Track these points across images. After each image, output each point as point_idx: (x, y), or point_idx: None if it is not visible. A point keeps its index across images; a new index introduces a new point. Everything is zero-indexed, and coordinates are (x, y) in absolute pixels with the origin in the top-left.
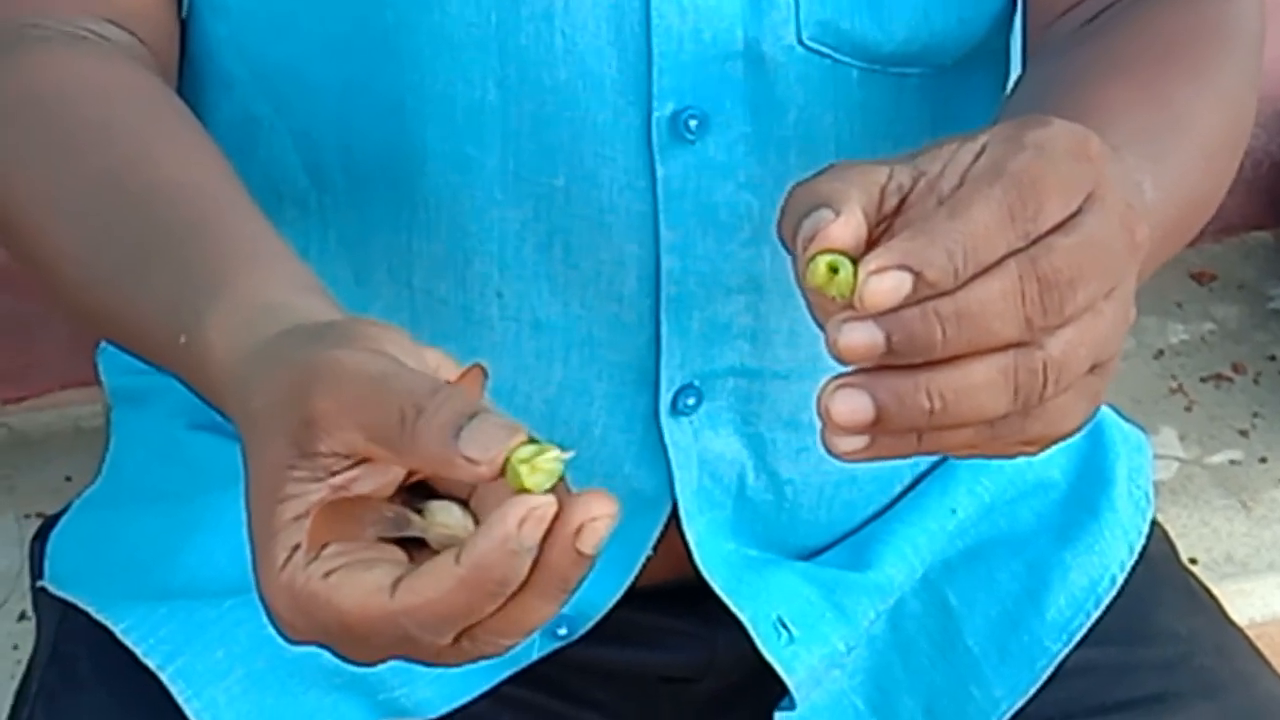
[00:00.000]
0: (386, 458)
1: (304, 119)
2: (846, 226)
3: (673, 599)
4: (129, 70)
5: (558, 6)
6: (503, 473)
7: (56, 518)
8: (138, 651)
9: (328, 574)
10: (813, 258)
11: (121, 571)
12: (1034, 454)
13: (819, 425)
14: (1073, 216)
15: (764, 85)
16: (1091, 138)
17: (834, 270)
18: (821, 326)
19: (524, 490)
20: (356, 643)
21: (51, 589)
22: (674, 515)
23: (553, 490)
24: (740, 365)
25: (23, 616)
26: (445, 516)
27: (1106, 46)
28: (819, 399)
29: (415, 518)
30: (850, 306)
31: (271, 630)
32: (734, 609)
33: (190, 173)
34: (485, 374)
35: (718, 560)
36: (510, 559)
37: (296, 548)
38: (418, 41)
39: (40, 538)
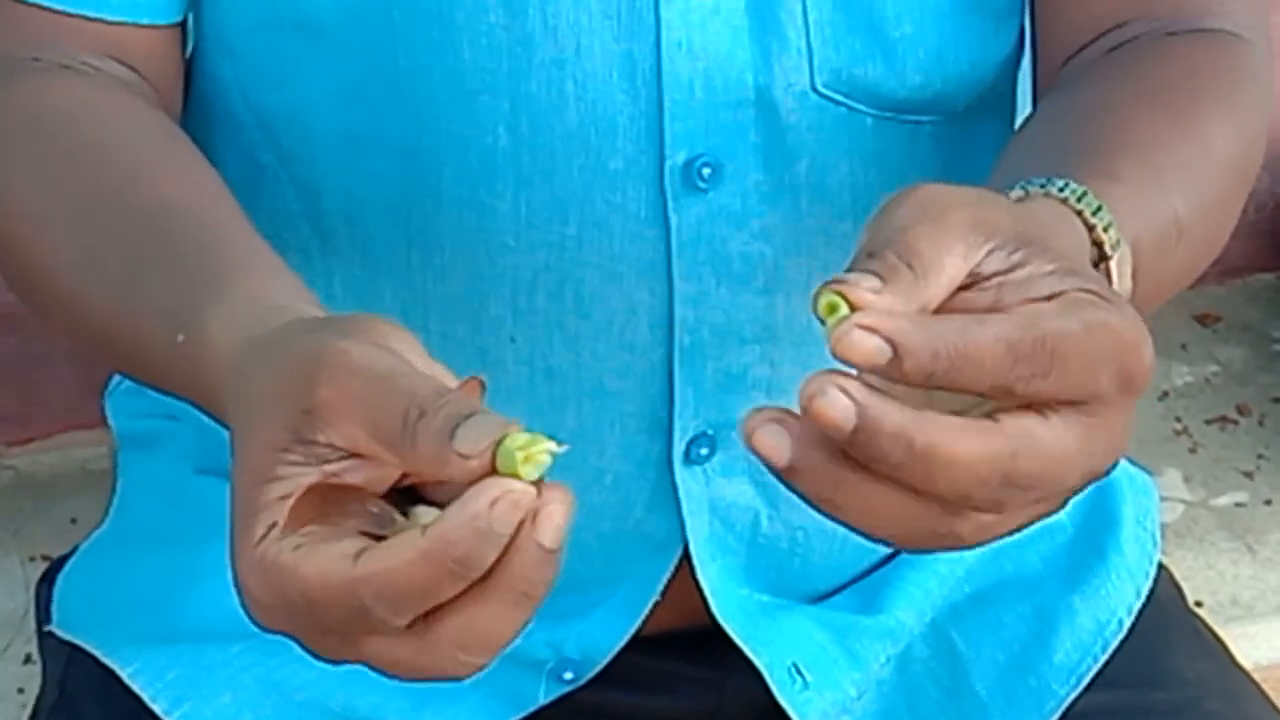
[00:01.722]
0: (384, 457)
1: (307, 168)
2: (876, 300)
3: (681, 644)
4: (127, 97)
5: (569, 53)
6: (494, 467)
7: (63, 560)
8: (145, 695)
9: (298, 547)
10: (822, 289)
11: (129, 615)
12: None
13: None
14: (1071, 403)
15: (776, 133)
16: (1146, 349)
17: (833, 309)
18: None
19: (514, 475)
20: (316, 618)
21: (58, 632)
22: (683, 560)
23: (538, 484)
24: None
25: (28, 659)
26: (429, 521)
27: (1137, 77)
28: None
29: (400, 518)
30: None
31: (244, 614)
32: (750, 655)
33: (188, 191)
34: (483, 386)
35: (733, 606)
36: (476, 538)
37: (274, 525)
38: (431, 87)
39: (47, 580)
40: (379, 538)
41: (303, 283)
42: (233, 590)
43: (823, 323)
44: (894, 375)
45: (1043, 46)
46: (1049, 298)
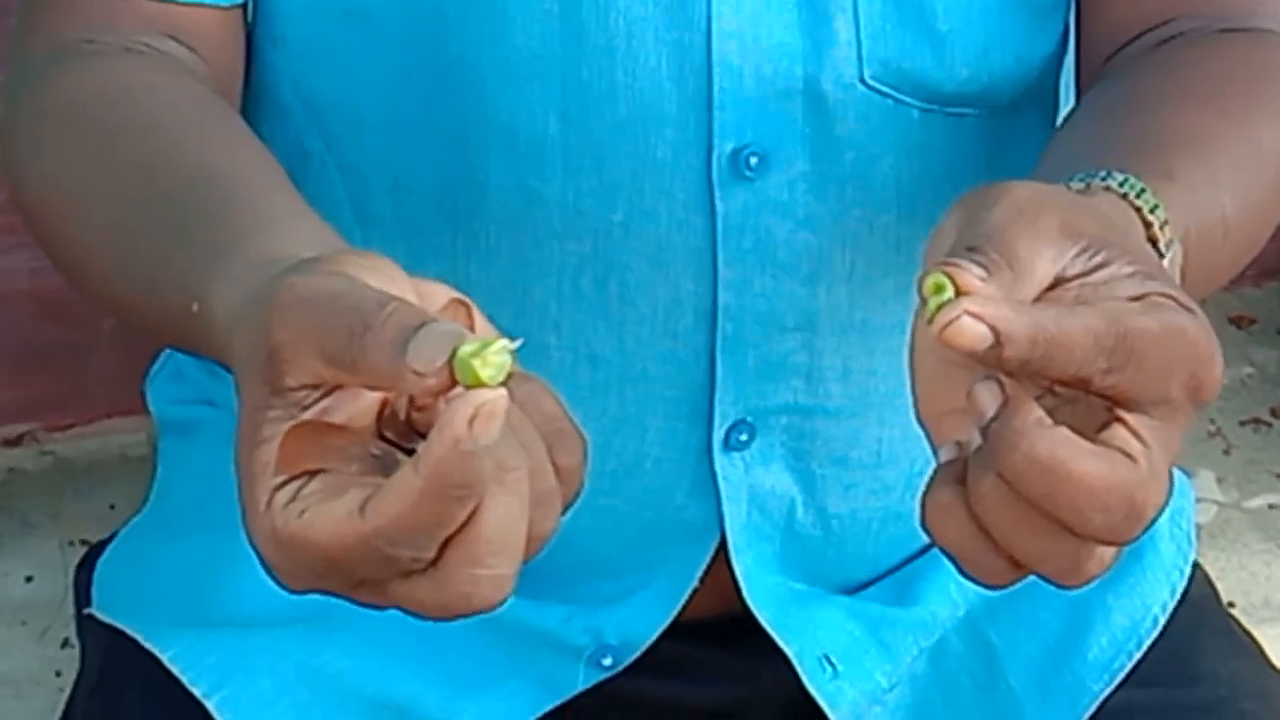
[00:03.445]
0: (345, 379)
1: (352, 154)
2: (983, 288)
3: (716, 632)
4: (174, 73)
5: (620, 41)
6: (453, 382)
7: (103, 545)
8: (184, 679)
9: (302, 512)
10: (932, 271)
11: (169, 600)
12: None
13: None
14: (1139, 408)
15: (824, 124)
16: (1217, 359)
17: (939, 289)
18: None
19: (479, 384)
20: (344, 575)
21: (99, 616)
22: (720, 548)
23: (505, 383)
24: (794, 402)
25: (66, 643)
26: None
27: (1186, 72)
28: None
29: (404, 459)
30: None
31: (271, 583)
32: (780, 643)
33: (223, 157)
34: (468, 308)
35: (765, 594)
36: (466, 460)
37: (277, 490)
38: (481, 73)
39: (87, 565)
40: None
41: (330, 230)
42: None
43: (923, 302)
44: (990, 362)
45: (1086, 41)
46: (1129, 299)
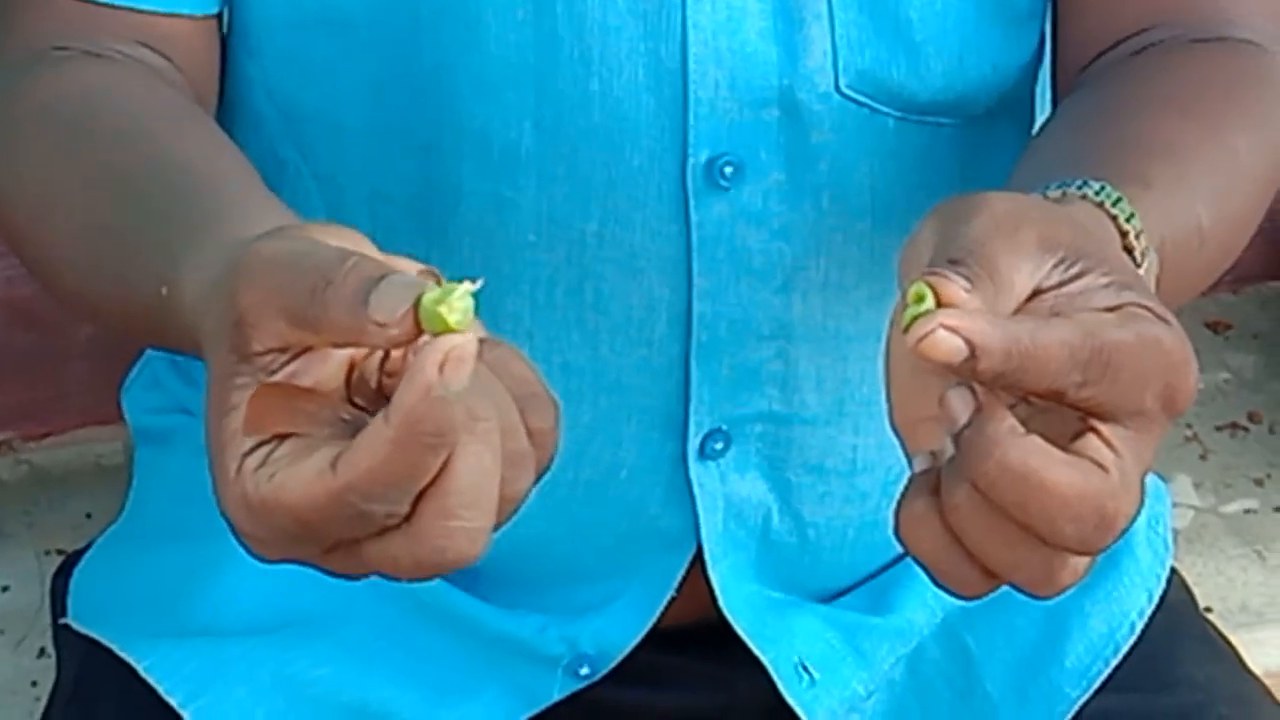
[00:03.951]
0: (309, 339)
1: (329, 163)
2: (966, 300)
3: (693, 640)
4: (147, 79)
5: (595, 51)
6: (417, 330)
7: (79, 554)
8: (160, 689)
9: (272, 475)
10: (915, 281)
11: (145, 609)
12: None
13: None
14: (1114, 418)
15: (799, 133)
16: (1192, 368)
17: (920, 298)
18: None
19: (446, 330)
20: (316, 536)
21: (74, 626)
22: (696, 556)
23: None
24: (769, 411)
25: (42, 653)
26: None
27: (1163, 81)
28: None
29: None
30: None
31: (245, 553)
32: (756, 651)
33: (196, 156)
34: (437, 277)
35: (741, 602)
36: (438, 406)
37: (246, 455)
38: (455, 82)
39: (62, 574)
40: None
41: (292, 213)
42: (248, 584)
43: (903, 309)
44: (965, 373)
45: (1063, 50)
46: (1105, 310)
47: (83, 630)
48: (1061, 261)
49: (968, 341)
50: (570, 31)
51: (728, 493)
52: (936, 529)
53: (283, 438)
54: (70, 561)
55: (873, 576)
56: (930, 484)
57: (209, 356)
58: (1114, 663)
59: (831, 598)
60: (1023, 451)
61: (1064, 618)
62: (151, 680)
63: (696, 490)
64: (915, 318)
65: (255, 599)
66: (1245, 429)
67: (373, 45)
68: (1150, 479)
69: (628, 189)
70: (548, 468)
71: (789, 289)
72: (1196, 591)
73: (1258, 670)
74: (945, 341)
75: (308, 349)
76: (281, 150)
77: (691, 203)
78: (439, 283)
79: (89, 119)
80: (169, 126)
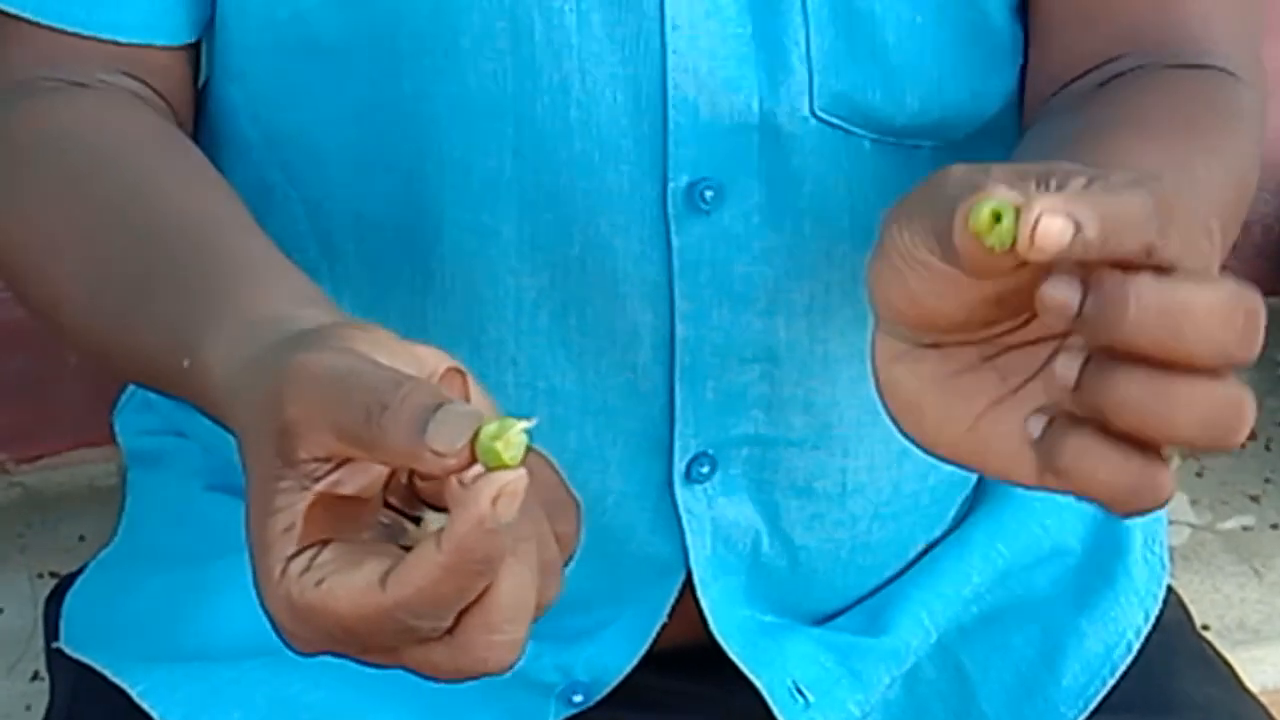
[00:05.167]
0: (359, 455)
1: (315, 188)
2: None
3: (688, 663)
4: (132, 109)
5: (574, 79)
6: (473, 460)
7: (71, 578)
8: (155, 714)
9: (319, 582)
10: (976, 205)
11: (138, 633)
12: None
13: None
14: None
15: (779, 156)
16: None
17: (996, 219)
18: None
19: (501, 466)
20: (361, 643)
21: (67, 650)
22: (689, 581)
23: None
24: (754, 434)
25: (35, 676)
26: (439, 526)
27: (1129, 106)
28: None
29: (411, 527)
30: (1003, 257)
31: (284, 645)
32: (750, 675)
33: (193, 199)
34: (463, 375)
35: (733, 626)
36: (489, 538)
37: (291, 559)
38: (435, 110)
39: (55, 598)
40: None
41: (309, 281)
42: (242, 607)
43: (973, 234)
44: (1074, 253)
45: (1032, 78)
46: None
47: (75, 655)
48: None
49: (1068, 215)
50: (549, 59)
51: (715, 517)
52: (1106, 448)
53: (324, 542)
54: (63, 585)
55: (866, 598)
56: (1065, 419)
57: (248, 452)
58: (1111, 683)
59: (825, 619)
60: (1156, 284)
61: (1060, 637)
62: (145, 705)
63: (684, 515)
64: (1006, 229)
65: (249, 622)
66: (1241, 445)
67: (353, 72)
68: None
69: (609, 214)
70: (570, 564)
71: (772, 312)
72: (1193, 609)
73: (1255, 688)
74: (1054, 224)
75: (349, 459)
76: (268, 175)
77: (672, 227)
78: (465, 386)
79: (86, 156)
80: (165, 167)
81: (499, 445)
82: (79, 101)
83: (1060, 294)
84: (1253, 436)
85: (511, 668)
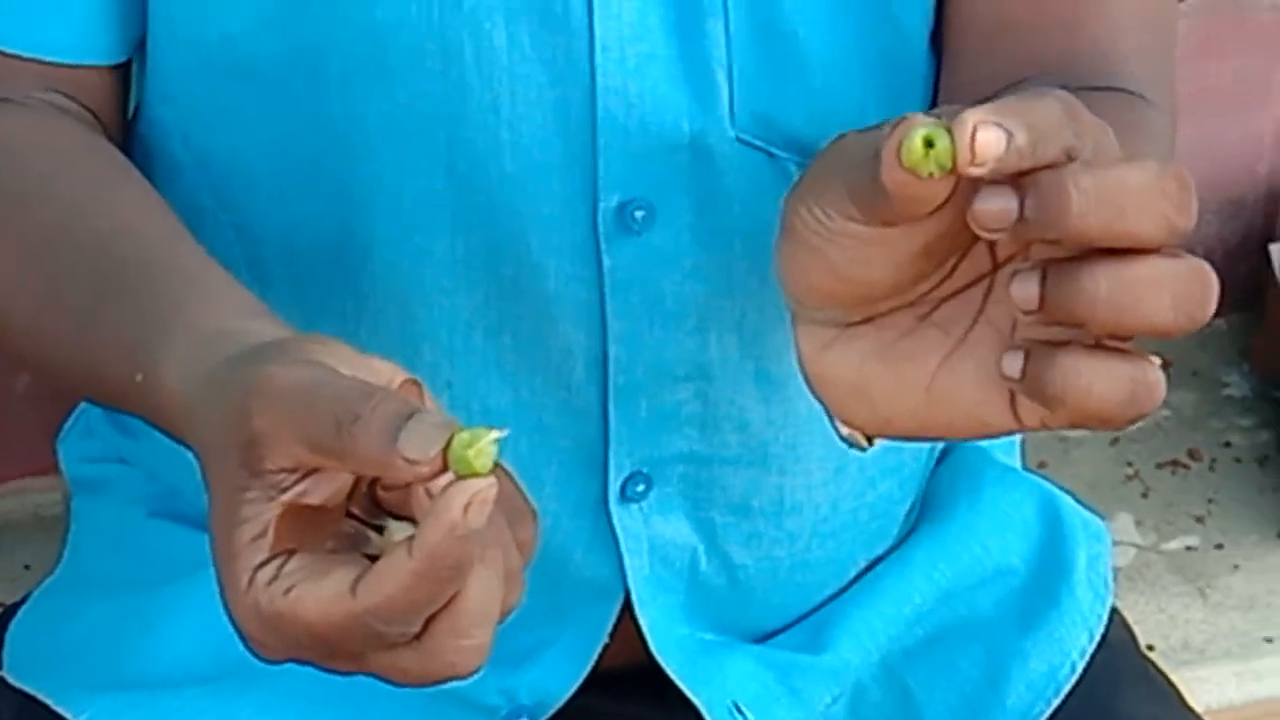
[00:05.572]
0: (329, 465)
1: (246, 211)
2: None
3: (630, 684)
4: (67, 126)
5: (504, 99)
6: (444, 468)
7: (15, 607)
8: None
9: (288, 590)
10: (908, 135)
11: (82, 662)
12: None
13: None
14: None
15: (709, 176)
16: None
17: (929, 145)
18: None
19: (472, 474)
20: (329, 649)
21: (10, 679)
22: (628, 601)
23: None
24: (689, 451)
25: None
26: (405, 535)
27: None
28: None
29: (375, 536)
30: (938, 184)
31: (248, 653)
32: (689, 694)
33: (135, 216)
34: (419, 387)
35: (672, 645)
36: (460, 544)
37: (258, 568)
38: (366, 131)
39: (0, 627)
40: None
41: (252, 296)
42: (186, 635)
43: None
44: (1010, 163)
45: (942, 100)
46: None
47: (18, 684)
48: None
49: (1000, 125)
50: (479, 79)
51: (652, 535)
52: (1089, 357)
53: (290, 551)
54: (7, 614)
55: (807, 615)
56: (1044, 351)
57: (211, 464)
58: (1055, 703)
59: (765, 637)
60: (1090, 171)
61: (1005, 658)
62: None
63: (620, 533)
64: (943, 149)
65: (193, 649)
66: (1186, 466)
67: (282, 94)
68: (1090, 518)
69: (540, 234)
70: (527, 568)
71: (704, 330)
72: (1139, 630)
73: (1200, 708)
74: (990, 134)
75: (315, 469)
76: (200, 198)
77: (603, 247)
78: (422, 397)
79: (28, 173)
80: (105, 185)
81: (470, 454)
82: (13, 118)
83: (997, 203)
84: (1198, 457)
85: (478, 672)
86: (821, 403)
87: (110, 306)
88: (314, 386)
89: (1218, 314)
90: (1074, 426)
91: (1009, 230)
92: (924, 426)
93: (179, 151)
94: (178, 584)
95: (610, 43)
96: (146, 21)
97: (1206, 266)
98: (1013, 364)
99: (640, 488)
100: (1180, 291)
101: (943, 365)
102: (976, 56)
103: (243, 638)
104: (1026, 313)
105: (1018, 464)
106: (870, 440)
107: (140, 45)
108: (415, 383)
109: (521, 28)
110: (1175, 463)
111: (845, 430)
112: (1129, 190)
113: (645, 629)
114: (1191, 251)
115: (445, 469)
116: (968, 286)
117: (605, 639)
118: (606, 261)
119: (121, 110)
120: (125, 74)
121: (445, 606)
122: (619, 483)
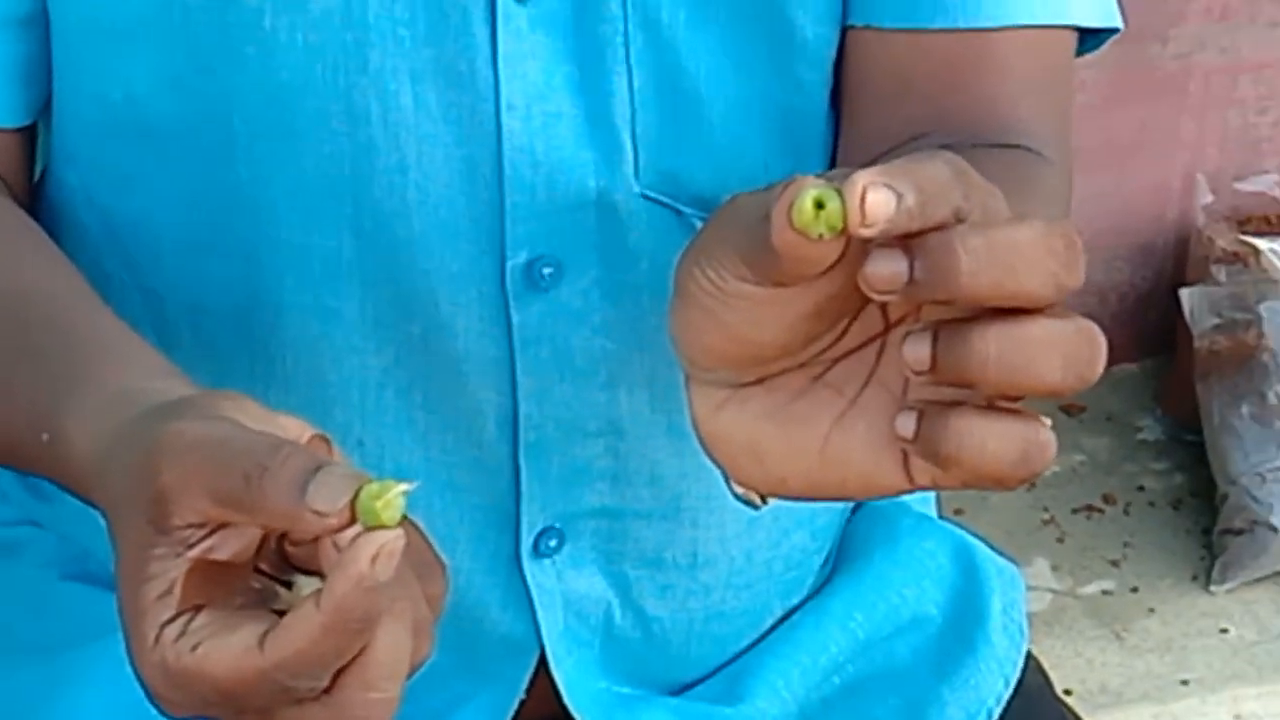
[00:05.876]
0: (238, 519)
1: (152, 275)
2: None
3: None
4: None
5: (411, 159)
6: (352, 520)
7: None
8: None
9: (195, 646)
10: (799, 197)
11: None
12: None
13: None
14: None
15: (616, 233)
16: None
17: (819, 206)
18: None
19: (380, 526)
20: (237, 706)
21: None
22: (544, 656)
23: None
24: (601, 506)
25: None
26: (313, 590)
27: None
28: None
29: (283, 591)
30: (828, 246)
31: (154, 709)
32: None
33: (42, 276)
34: (328, 442)
35: (588, 700)
36: (368, 596)
37: (165, 625)
38: (272, 194)
39: None
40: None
41: (160, 356)
42: (99, 699)
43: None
44: (899, 223)
45: (842, 156)
46: None
47: None
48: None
49: (889, 188)
50: (386, 140)
51: (565, 590)
52: (981, 418)
53: (198, 607)
54: None
55: (723, 666)
56: (937, 411)
57: (118, 521)
58: None
59: (682, 689)
60: (978, 231)
61: (922, 707)
62: None
63: (534, 589)
64: (833, 212)
65: (104, 713)
66: (1100, 510)
67: (187, 157)
68: (1005, 565)
69: (449, 292)
70: (437, 622)
71: (614, 385)
72: (1055, 674)
73: None
74: (880, 195)
75: (224, 524)
76: (106, 262)
77: (511, 304)
78: (330, 452)
79: None
80: (10, 246)
81: (379, 505)
82: None
83: (888, 266)
84: (1112, 501)
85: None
86: (715, 462)
87: (18, 365)
88: (222, 441)
89: (1130, 359)
90: (966, 486)
91: (900, 292)
92: (817, 486)
93: (84, 215)
94: (92, 645)
95: (516, 101)
96: (52, 83)
97: (1095, 327)
98: (906, 424)
99: (553, 543)
100: (1070, 352)
101: (835, 426)
102: (875, 114)
103: (150, 695)
104: (918, 373)
105: (933, 512)
106: (764, 499)
107: (46, 107)
108: (324, 438)
109: (428, 88)
110: (1090, 508)
111: (740, 489)
112: (1017, 249)
113: (561, 684)
114: (1103, 298)
115: (354, 521)
116: (860, 347)
117: (522, 695)
118: (515, 318)
119: (28, 173)
120: (32, 136)
121: (354, 660)
122: (531, 538)
